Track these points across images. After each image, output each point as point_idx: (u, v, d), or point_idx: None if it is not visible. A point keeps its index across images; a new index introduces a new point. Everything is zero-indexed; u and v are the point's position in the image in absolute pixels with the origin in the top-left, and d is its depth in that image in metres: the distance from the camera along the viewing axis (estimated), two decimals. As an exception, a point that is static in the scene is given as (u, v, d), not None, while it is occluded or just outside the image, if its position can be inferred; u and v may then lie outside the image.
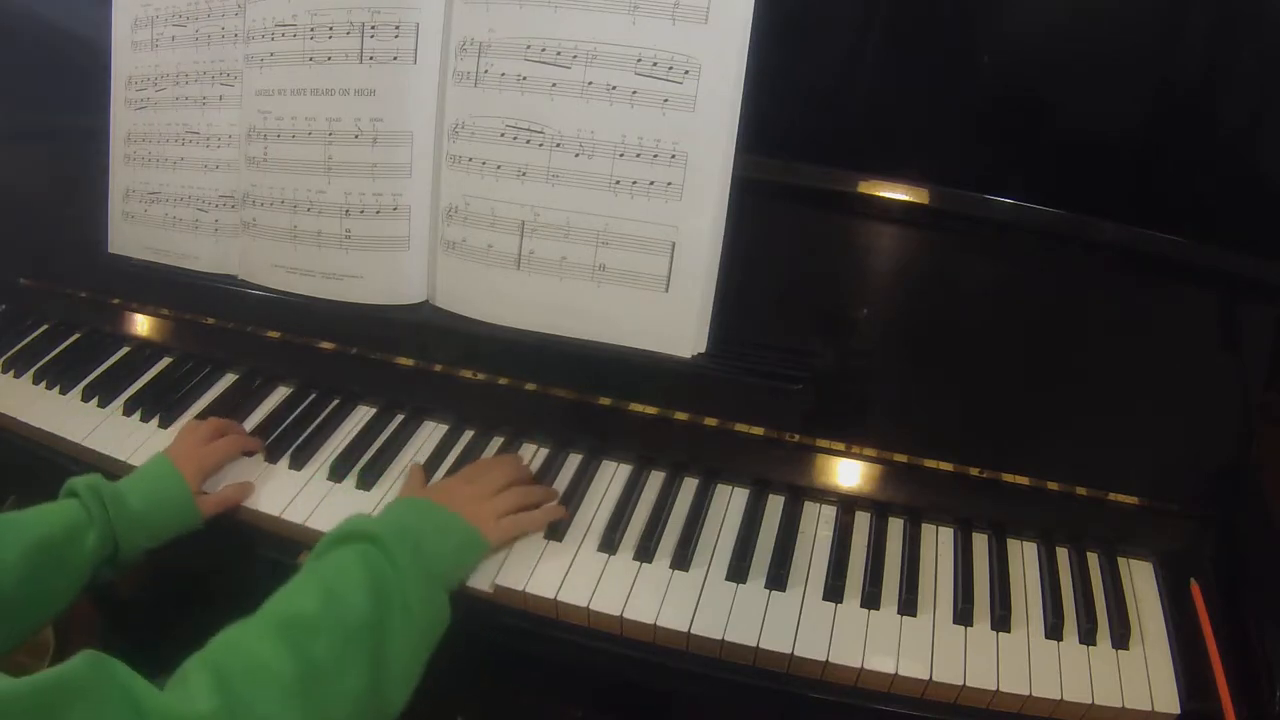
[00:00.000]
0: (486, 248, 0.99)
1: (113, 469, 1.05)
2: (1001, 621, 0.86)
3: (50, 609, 0.84)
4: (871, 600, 0.88)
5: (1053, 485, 0.94)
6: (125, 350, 1.23)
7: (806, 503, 0.98)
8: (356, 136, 1.01)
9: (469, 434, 1.07)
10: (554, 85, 0.93)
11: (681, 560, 0.91)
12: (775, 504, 0.98)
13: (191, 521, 0.94)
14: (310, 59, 1.02)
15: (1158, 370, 0.92)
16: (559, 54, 0.93)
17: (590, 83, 0.92)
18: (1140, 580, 0.92)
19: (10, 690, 0.54)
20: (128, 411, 1.12)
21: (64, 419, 1.11)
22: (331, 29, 1.00)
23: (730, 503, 0.98)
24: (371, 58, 0.99)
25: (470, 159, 0.98)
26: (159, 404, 1.12)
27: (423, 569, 0.78)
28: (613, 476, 1.01)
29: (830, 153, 0.95)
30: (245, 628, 0.70)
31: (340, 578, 0.75)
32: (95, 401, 1.13)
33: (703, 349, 0.96)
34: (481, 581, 0.88)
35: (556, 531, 0.93)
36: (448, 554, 0.83)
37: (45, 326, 1.29)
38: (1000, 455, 0.95)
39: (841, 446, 0.98)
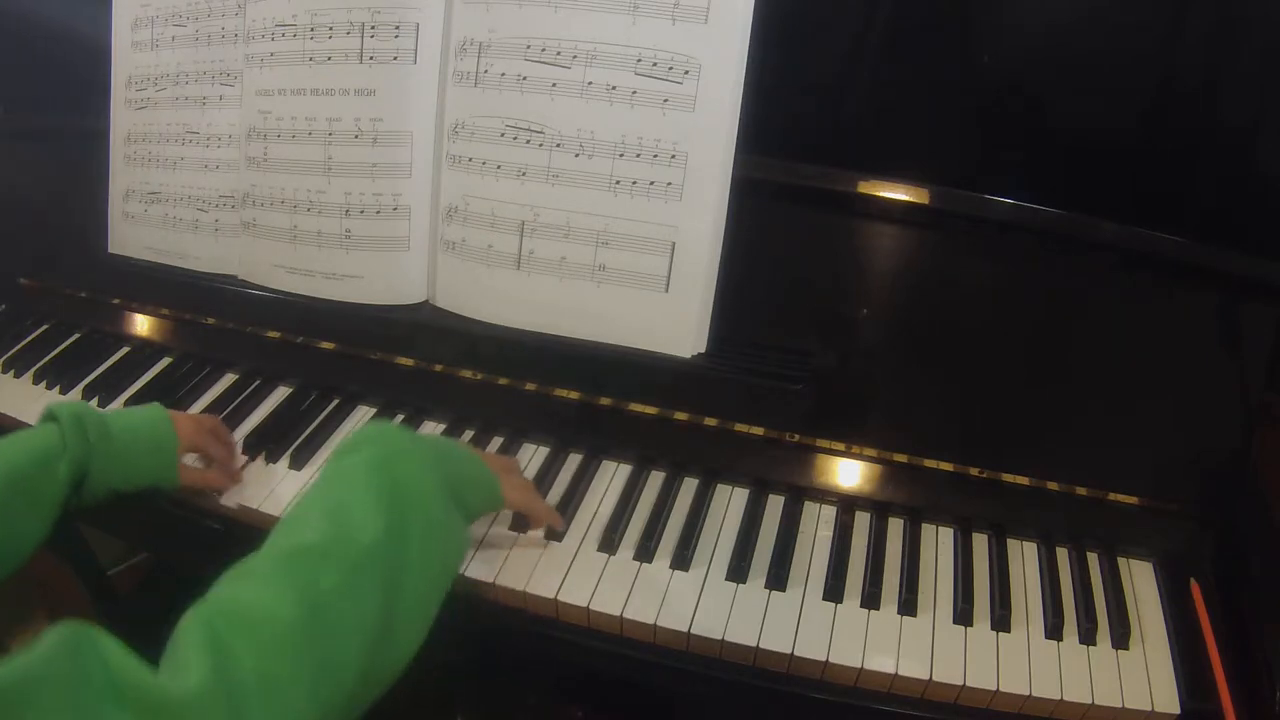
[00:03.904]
0: (486, 248, 0.99)
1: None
2: (1001, 621, 0.86)
3: (26, 543, 0.80)
4: (871, 600, 0.88)
5: (1053, 485, 0.94)
6: (125, 350, 1.23)
7: (806, 503, 0.98)
8: (356, 136, 1.01)
9: (469, 434, 1.07)
10: (554, 85, 0.93)
11: (681, 560, 0.91)
12: (775, 504, 0.98)
13: (168, 478, 0.92)
14: (310, 59, 1.02)
15: (1158, 370, 0.92)
16: (559, 54, 0.93)
17: (590, 83, 0.92)
18: (1140, 580, 0.92)
19: None
20: (128, 411, 1.12)
21: (64, 419, 1.12)
22: (331, 29, 1.00)
23: (730, 503, 0.98)
24: (371, 58, 0.99)
25: (470, 159, 0.98)
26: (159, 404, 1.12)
27: (445, 481, 0.70)
28: (613, 476, 1.01)
29: (830, 153, 0.95)
30: (248, 569, 0.63)
31: (352, 490, 0.66)
32: (95, 401, 1.13)
33: (703, 349, 0.96)
34: (482, 580, 0.88)
35: (556, 531, 0.93)
36: (469, 478, 0.75)
37: (45, 326, 1.29)
38: (1000, 455, 0.95)
39: (841, 446, 0.97)
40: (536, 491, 0.93)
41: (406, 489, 0.67)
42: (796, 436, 0.98)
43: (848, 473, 0.98)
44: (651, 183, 0.93)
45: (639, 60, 0.91)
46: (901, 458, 0.96)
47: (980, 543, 0.95)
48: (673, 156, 0.92)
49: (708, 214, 0.92)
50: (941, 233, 0.95)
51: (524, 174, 0.96)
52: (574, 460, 1.03)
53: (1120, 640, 0.85)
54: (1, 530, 0.78)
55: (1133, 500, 0.94)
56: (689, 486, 1.00)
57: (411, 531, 0.66)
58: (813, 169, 0.95)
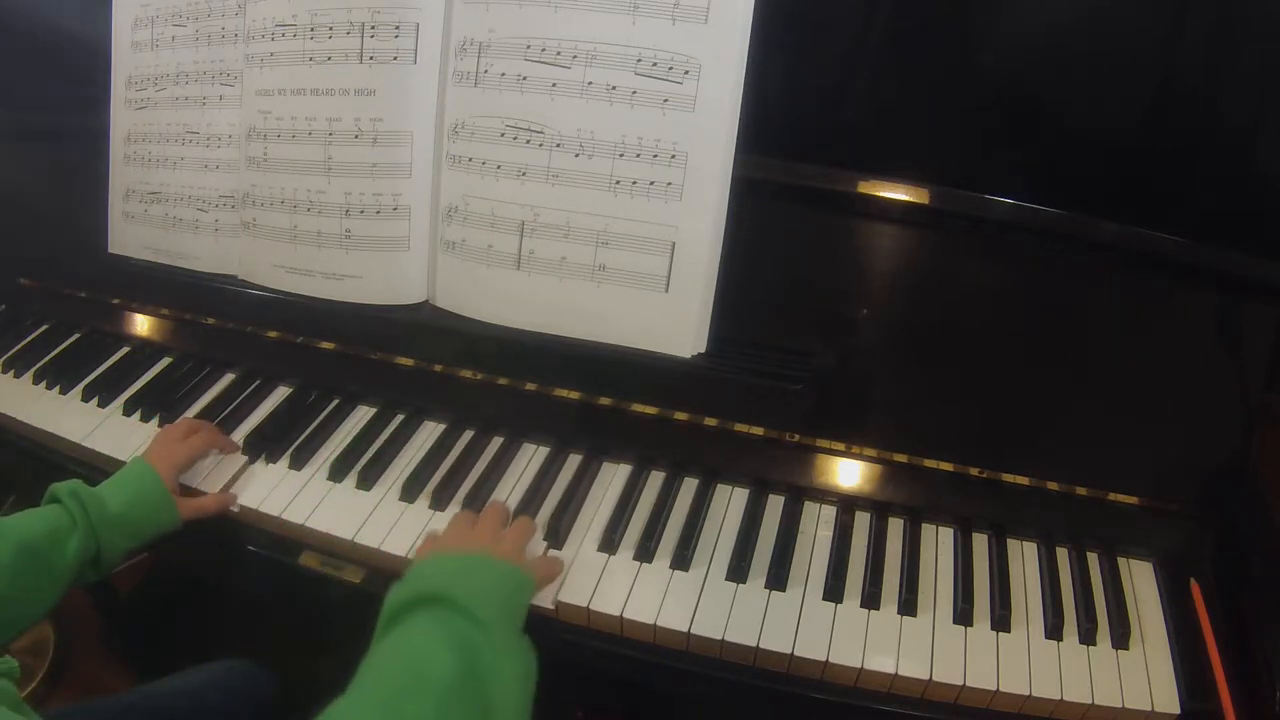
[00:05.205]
0: (486, 248, 0.99)
1: (112, 469, 1.05)
2: (1001, 621, 0.86)
3: (37, 608, 0.85)
4: (871, 600, 0.88)
5: (1053, 485, 0.94)
6: (125, 350, 1.23)
7: (806, 503, 0.98)
8: (356, 136, 1.01)
9: (469, 434, 1.07)
10: (554, 85, 0.93)
11: (681, 560, 0.91)
12: (775, 504, 0.98)
13: (170, 521, 0.95)
14: (310, 59, 1.02)
15: (1158, 370, 0.92)
16: (559, 54, 0.93)
17: (590, 83, 0.92)
18: (1140, 580, 0.92)
19: None
20: (128, 411, 1.12)
21: (64, 419, 1.12)
22: (331, 29, 1.00)
23: (730, 503, 0.98)
24: (371, 58, 0.99)
25: (470, 159, 0.98)
26: (159, 404, 1.12)
27: (499, 618, 0.72)
28: (613, 476, 1.01)
29: (830, 153, 0.95)
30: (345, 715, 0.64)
31: (424, 651, 0.68)
32: (95, 401, 1.13)
33: (703, 349, 0.96)
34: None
35: (556, 533, 0.93)
36: (511, 598, 0.77)
37: (45, 326, 1.29)
38: (1000, 455, 0.95)
39: (841, 446, 0.98)
40: (527, 525, 0.90)
41: (481, 650, 0.69)
42: (796, 436, 0.98)
43: (848, 473, 0.98)
44: (651, 183, 0.93)
45: (639, 60, 0.91)
46: (901, 458, 0.97)
47: (980, 543, 0.95)
48: (673, 156, 0.92)
49: (708, 214, 0.92)
50: (941, 233, 0.95)
51: (524, 174, 0.96)
52: (574, 460, 1.03)
53: (1120, 640, 0.85)
54: (15, 590, 0.82)
55: (1133, 500, 0.94)
56: (689, 486, 1.00)
57: (493, 686, 0.68)
58: (813, 169, 0.95)
